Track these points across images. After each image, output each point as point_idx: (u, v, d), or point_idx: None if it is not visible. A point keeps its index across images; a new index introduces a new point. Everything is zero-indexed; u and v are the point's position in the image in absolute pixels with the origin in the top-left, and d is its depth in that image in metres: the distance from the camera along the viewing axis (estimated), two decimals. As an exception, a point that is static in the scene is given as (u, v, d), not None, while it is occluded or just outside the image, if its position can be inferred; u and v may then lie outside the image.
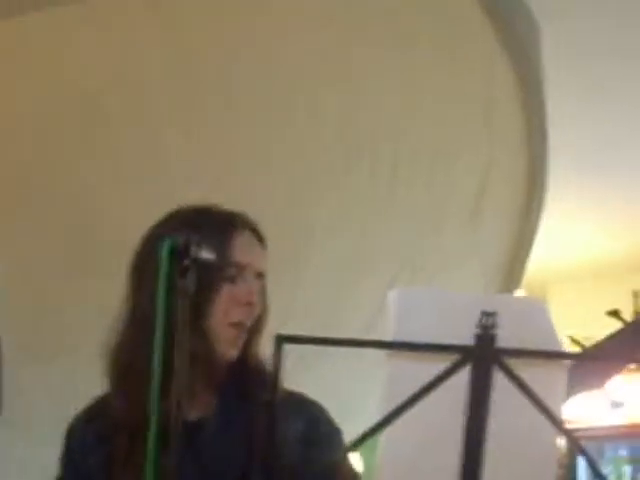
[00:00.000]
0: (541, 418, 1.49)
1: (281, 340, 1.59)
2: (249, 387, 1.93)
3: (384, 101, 3.41)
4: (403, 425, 1.45)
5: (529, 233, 3.71)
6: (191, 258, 1.69)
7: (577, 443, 1.54)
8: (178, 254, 1.68)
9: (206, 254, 1.74)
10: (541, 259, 6.78)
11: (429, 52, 3.41)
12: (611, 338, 2.28)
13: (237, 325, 1.94)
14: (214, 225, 1.97)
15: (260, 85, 3.27)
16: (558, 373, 1.52)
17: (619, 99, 5.17)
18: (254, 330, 1.99)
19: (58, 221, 3.42)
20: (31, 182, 3.42)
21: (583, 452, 1.64)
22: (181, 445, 1.82)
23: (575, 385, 2.11)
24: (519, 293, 4.60)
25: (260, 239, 2.05)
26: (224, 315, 1.93)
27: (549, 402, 1.49)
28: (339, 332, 3.01)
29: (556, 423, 1.50)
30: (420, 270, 3.47)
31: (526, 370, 1.49)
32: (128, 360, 1.90)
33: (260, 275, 2.01)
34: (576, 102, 5.09)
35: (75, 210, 3.41)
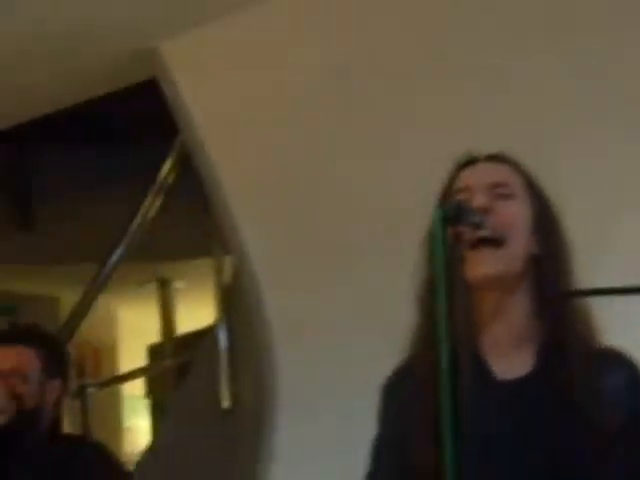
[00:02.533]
0: None
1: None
2: (566, 340, 1.85)
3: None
4: None
5: None
6: (465, 223, 1.76)
7: None
8: (449, 220, 1.73)
9: (473, 217, 1.81)
10: None
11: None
12: None
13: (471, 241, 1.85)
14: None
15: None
16: None
17: None
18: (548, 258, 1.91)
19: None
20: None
21: None
22: (498, 404, 1.84)
23: None
24: None
25: (486, 159, 1.97)
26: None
27: None
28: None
29: None
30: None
31: None
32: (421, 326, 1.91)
33: (494, 185, 1.90)
34: None
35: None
